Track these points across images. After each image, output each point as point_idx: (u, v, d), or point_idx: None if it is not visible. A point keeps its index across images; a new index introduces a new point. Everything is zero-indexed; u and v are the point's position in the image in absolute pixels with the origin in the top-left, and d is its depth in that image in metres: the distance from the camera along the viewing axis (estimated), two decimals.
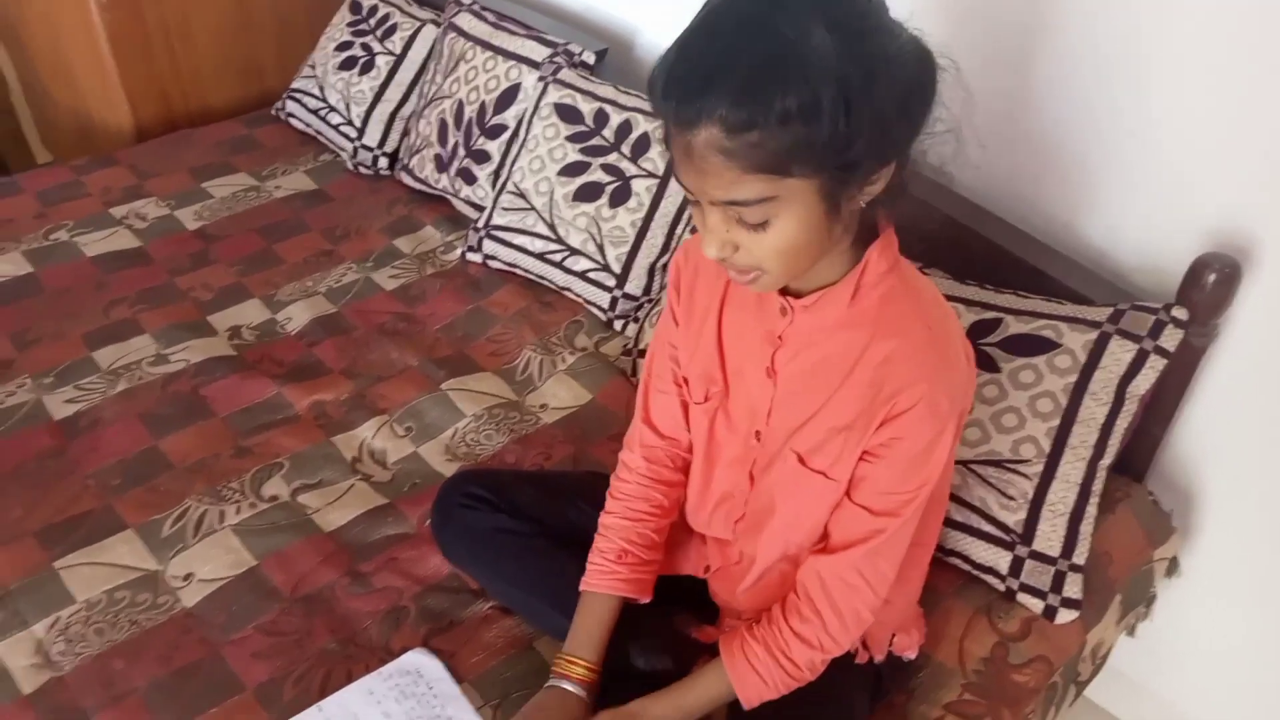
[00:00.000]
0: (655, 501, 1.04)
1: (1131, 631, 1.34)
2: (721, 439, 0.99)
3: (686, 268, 0.99)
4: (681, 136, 0.72)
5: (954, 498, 1.16)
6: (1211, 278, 1.12)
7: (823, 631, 0.91)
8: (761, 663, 0.92)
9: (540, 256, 1.59)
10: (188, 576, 1.15)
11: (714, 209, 0.76)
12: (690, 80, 0.70)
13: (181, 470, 1.28)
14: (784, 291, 0.88)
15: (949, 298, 1.23)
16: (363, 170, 1.92)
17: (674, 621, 1.10)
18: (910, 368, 0.84)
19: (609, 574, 1.02)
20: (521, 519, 1.11)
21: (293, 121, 2.03)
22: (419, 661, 1.07)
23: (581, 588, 1.02)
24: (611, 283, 1.53)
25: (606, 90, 1.60)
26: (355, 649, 1.08)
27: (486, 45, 1.74)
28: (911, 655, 1.07)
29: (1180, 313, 1.13)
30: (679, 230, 1.51)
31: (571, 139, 1.58)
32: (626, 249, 1.52)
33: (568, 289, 1.58)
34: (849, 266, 0.85)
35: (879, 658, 1.04)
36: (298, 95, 2.02)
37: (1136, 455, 1.28)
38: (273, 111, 2.09)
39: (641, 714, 0.93)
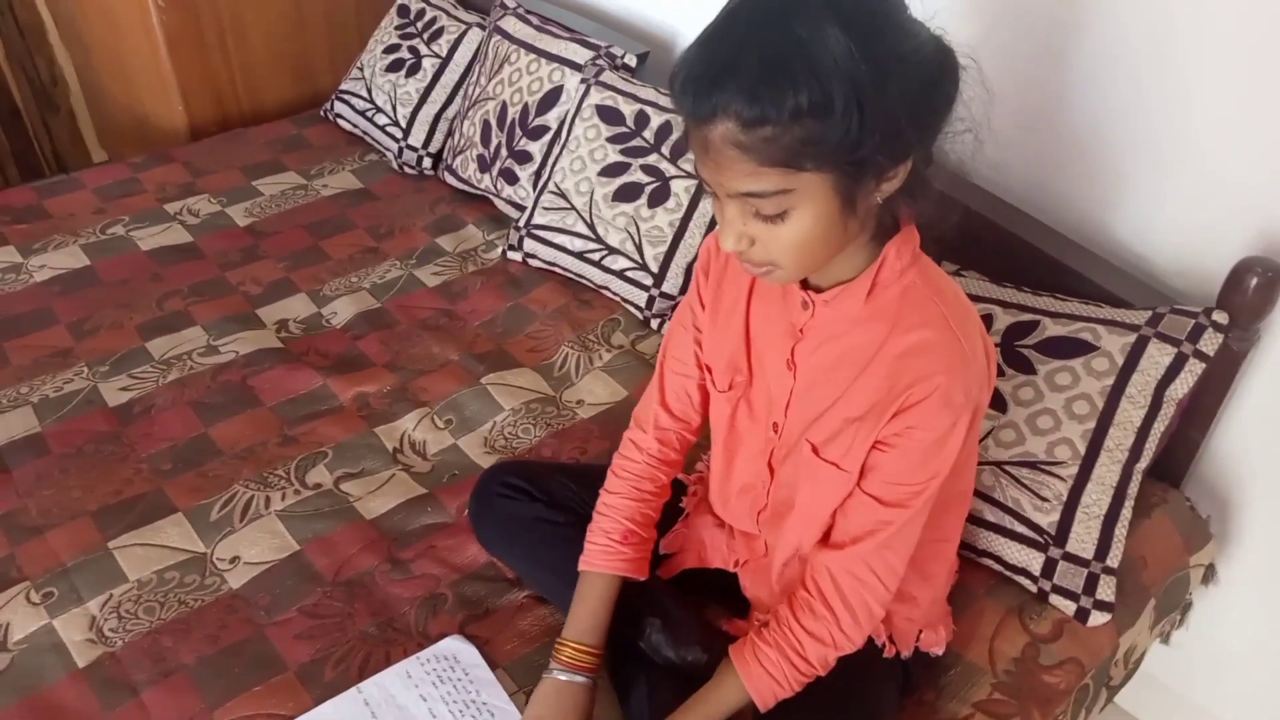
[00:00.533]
0: (659, 482, 1.07)
1: (1166, 639, 1.33)
2: (743, 429, 1.00)
3: (718, 257, 1.00)
4: (699, 131, 0.74)
5: (988, 498, 1.16)
6: (1254, 282, 1.11)
7: (835, 628, 0.92)
8: (775, 665, 0.93)
9: (579, 255, 1.61)
10: (234, 559, 1.19)
11: (731, 201, 0.77)
12: (706, 76, 0.72)
13: (230, 457, 1.32)
14: (805, 285, 0.89)
15: (986, 299, 1.25)
16: (407, 170, 1.96)
17: (706, 614, 1.12)
18: (928, 361, 0.85)
19: (614, 554, 1.03)
20: (556, 509, 1.13)
21: (340, 122, 2.08)
22: (455, 648, 1.09)
23: (581, 567, 1.04)
24: (649, 281, 1.56)
25: (647, 92, 1.62)
26: (394, 633, 1.11)
27: (530, 48, 1.77)
28: (938, 652, 1.07)
29: (1220, 317, 1.13)
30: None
31: (612, 140, 1.60)
32: (664, 248, 1.54)
33: (606, 287, 1.61)
34: (868, 262, 0.86)
35: (906, 654, 1.04)
36: (346, 96, 2.07)
37: (1174, 460, 1.27)
38: (321, 112, 2.14)
39: None
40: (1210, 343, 1.12)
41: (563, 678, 1.00)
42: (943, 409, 0.85)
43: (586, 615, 1.02)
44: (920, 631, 1.06)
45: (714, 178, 0.76)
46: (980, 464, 1.17)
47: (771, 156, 0.72)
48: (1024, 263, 1.29)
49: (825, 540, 0.95)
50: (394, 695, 1.04)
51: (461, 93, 1.93)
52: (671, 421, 1.06)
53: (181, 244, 1.74)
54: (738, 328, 0.97)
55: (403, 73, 1.97)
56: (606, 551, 1.03)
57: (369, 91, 2.02)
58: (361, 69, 2.06)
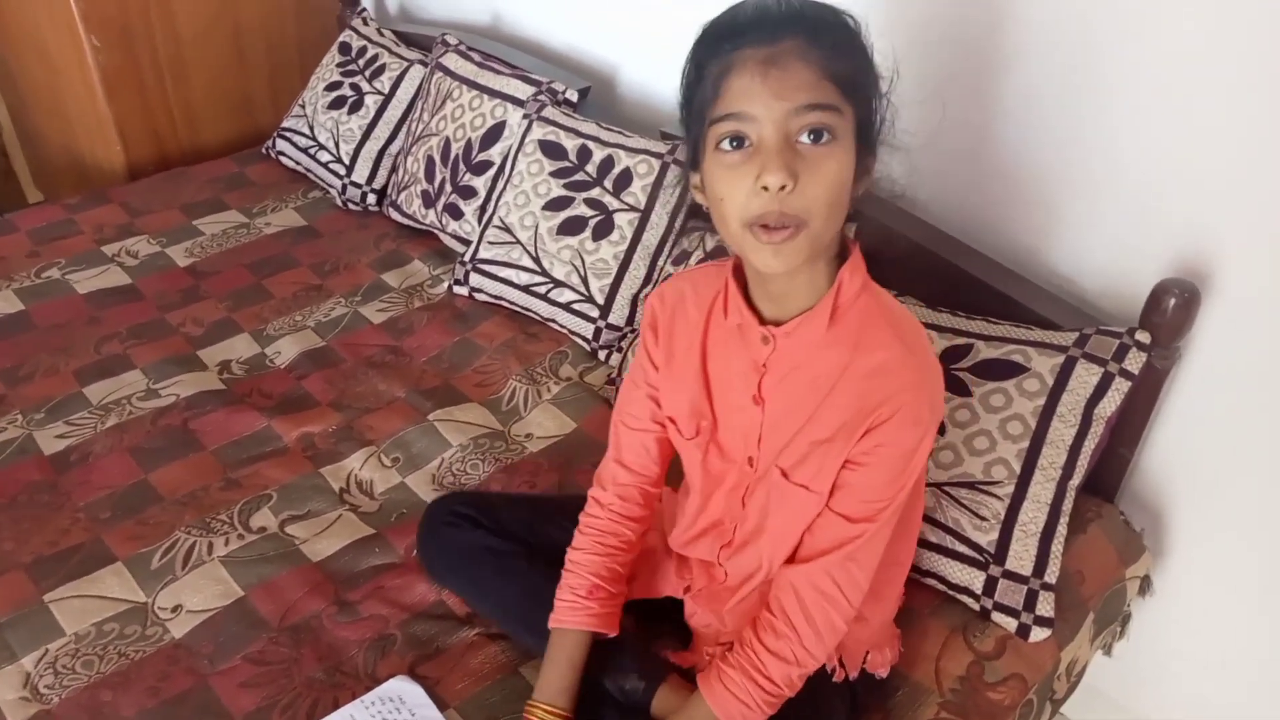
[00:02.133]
0: (624, 537, 1.06)
1: (1109, 651, 1.36)
2: (716, 469, 1.01)
3: (663, 311, 1.01)
4: (758, 51, 0.78)
5: (929, 519, 1.18)
6: (1171, 302, 1.15)
7: (798, 645, 0.93)
8: (740, 687, 0.94)
9: (525, 289, 1.62)
10: (176, 608, 1.16)
11: (777, 135, 0.78)
12: (772, 10, 0.80)
13: (171, 503, 1.29)
14: (763, 321, 0.91)
15: (923, 324, 1.28)
16: (351, 206, 1.96)
17: (647, 643, 1.12)
18: (893, 380, 0.88)
19: (581, 610, 1.03)
20: (505, 538, 1.13)
21: (283, 159, 2.07)
22: (401, 688, 1.08)
23: (551, 624, 1.04)
24: (595, 313, 1.57)
25: (589, 127, 1.64)
26: (342, 676, 1.10)
27: (472, 84, 1.79)
28: (884, 673, 1.08)
29: (1143, 336, 1.17)
30: (660, 261, 1.55)
31: (555, 174, 1.62)
32: (609, 280, 1.56)
33: (552, 320, 1.62)
34: (824, 288, 0.89)
35: (854, 675, 1.06)
36: (288, 134, 2.06)
37: (1106, 476, 1.31)
38: (263, 150, 2.13)
39: None
40: (1134, 361, 1.16)
41: None
42: (912, 425, 0.88)
43: (556, 678, 1.02)
44: (868, 653, 1.07)
45: (773, 95, 0.77)
46: None
47: (832, 69, 0.78)
48: (958, 288, 1.33)
49: (791, 558, 0.96)
50: None
51: (405, 129, 1.93)
52: (630, 476, 1.06)
53: (120, 286, 1.72)
54: (694, 376, 0.98)
55: (345, 109, 1.97)
56: (573, 608, 1.03)
57: (311, 129, 2.02)
58: (304, 106, 2.06)
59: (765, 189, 0.78)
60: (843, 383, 0.89)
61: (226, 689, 1.08)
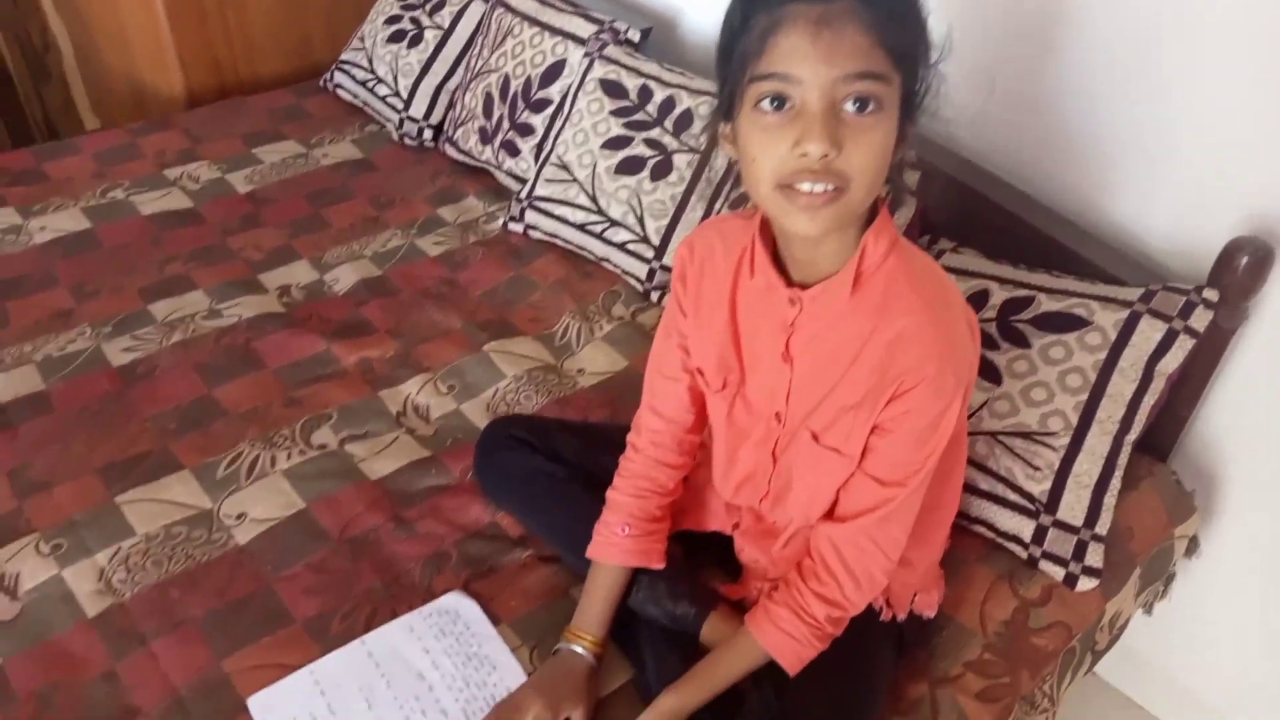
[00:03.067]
0: (659, 481, 1.07)
1: (1149, 610, 1.37)
2: (743, 423, 1.01)
3: (693, 262, 1.00)
4: (812, 9, 0.74)
5: (981, 467, 1.19)
6: (1244, 260, 1.14)
7: (839, 592, 0.95)
8: (789, 624, 0.95)
9: (581, 227, 1.63)
10: (240, 516, 1.20)
11: (822, 102, 0.75)
12: None
13: (234, 417, 1.33)
14: (790, 283, 0.91)
15: (983, 275, 1.28)
16: (408, 141, 1.97)
17: (698, 573, 1.14)
18: (916, 349, 0.87)
19: (615, 545, 1.05)
20: (558, 463, 1.16)
21: (340, 92, 2.08)
22: (457, 603, 1.11)
23: (588, 554, 1.06)
24: (650, 254, 1.57)
25: (651, 67, 1.64)
26: (399, 589, 1.13)
27: (533, 21, 1.78)
28: (931, 614, 1.10)
29: (1211, 294, 1.16)
30: (718, 205, 1.55)
31: (616, 114, 1.62)
32: (666, 222, 1.56)
33: (606, 259, 1.63)
34: (851, 251, 0.87)
35: (901, 616, 1.07)
36: (346, 67, 2.07)
37: (1162, 435, 1.30)
38: (321, 83, 2.14)
39: (678, 706, 0.95)
40: (1200, 319, 1.15)
41: (563, 648, 1.03)
42: (935, 395, 0.87)
43: (586, 608, 1.05)
44: (915, 594, 1.09)
45: (823, 60, 0.74)
46: (975, 434, 1.20)
47: (885, 35, 0.75)
48: (1020, 241, 1.32)
49: (829, 514, 0.97)
50: (398, 648, 1.06)
51: (463, 65, 1.93)
52: (664, 424, 1.06)
53: (182, 209, 1.74)
54: (724, 328, 0.97)
55: (404, 44, 1.98)
56: (608, 543, 1.05)
57: (370, 62, 2.02)
58: (363, 39, 2.06)
59: (804, 155, 0.76)
60: (868, 349, 0.89)
61: (289, 594, 1.11)
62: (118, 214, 1.71)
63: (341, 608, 1.11)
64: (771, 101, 0.77)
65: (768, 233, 0.92)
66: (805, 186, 0.77)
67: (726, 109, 0.83)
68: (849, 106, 0.76)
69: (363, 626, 1.09)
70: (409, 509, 1.22)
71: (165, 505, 1.20)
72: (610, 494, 1.08)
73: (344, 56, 2.09)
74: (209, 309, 1.52)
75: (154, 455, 1.26)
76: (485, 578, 1.15)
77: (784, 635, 0.96)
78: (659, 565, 1.07)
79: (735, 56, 0.79)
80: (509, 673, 1.05)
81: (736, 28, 0.79)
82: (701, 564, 1.16)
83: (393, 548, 1.18)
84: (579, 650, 1.03)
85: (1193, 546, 1.35)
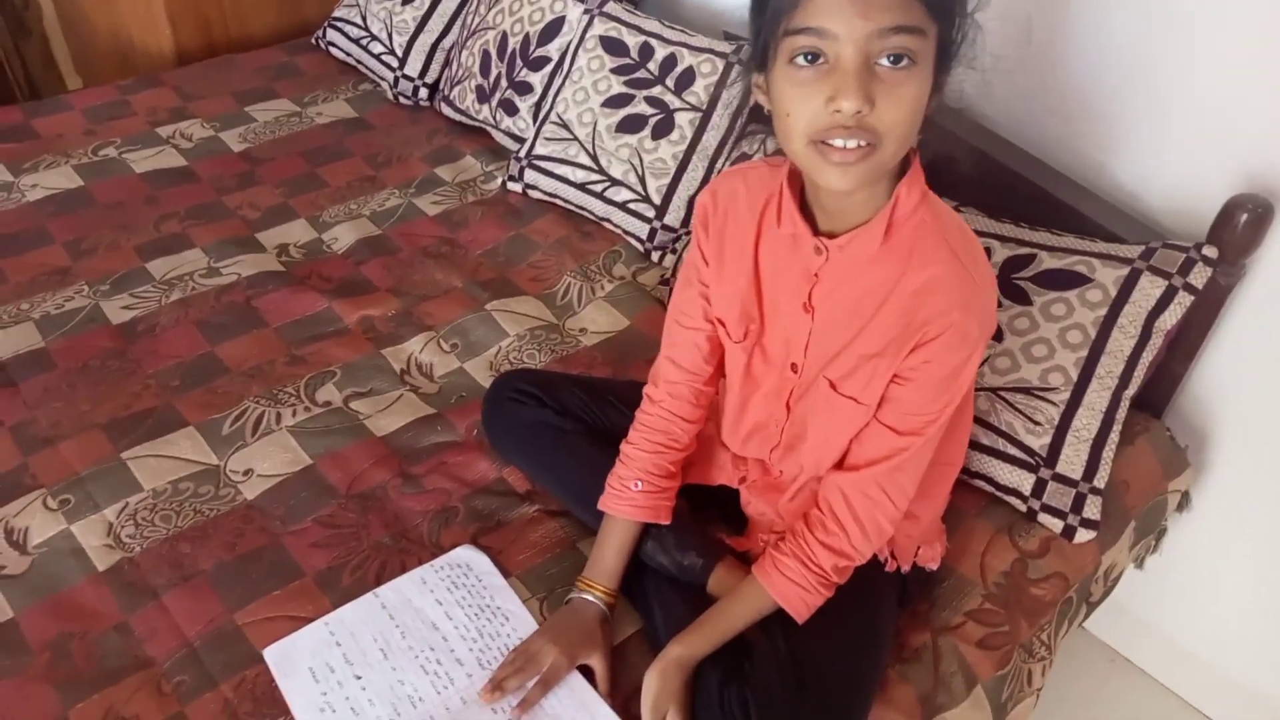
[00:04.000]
0: (674, 435, 1.07)
1: (1140, 564, 1.40)
2: (758, 372, 1.02)
3: (715, 210, 0.99)
4: None
5: (982, 422, 1.21)
6: (1244, 218, 1.15)
7: (846, 543, 0.96)
8: (796, 573, 0.97)
9: (581, 187, 1.62)
10: (247, 472, 1.20)
11: (857, 57, 0.75)
12: None
13: (238, 374, 1.33)
14: (817, 232, 0.91)
15: (985, 233, 1.29)
16: (403, 100, 1.95)
17: (703, 525, 1.15)
18: (943, 297, 0.87)
19: (626, 500, 1.06)
20: (565, 416, 1.16)
21: (333, 50, 2.06)
22: (468, 556, 1.13)
23: (600, 506, 1.07)
24: (651, 214, 1.57)
25: (652, 24, 1.62)
26: (408, 543, 1.14)
27: None
28: (934, 566, 1.12)
29: (1210, 251, 1.17)
30: (719, 164, 1.55)
31: (616, 71, 1.61)
32: (667, 180, 1.56)
33: (607, 219, 1.62)
34: (882, 202, 0.87)
35: (905, 568, 1.09)
36: (339, 24, 2.04)
37: (1157, 392, 1.32)
38: (313, 40, 2.11)
39: (686, 655, 0.96)
40: (1200, 276, 1.17)
41: (575, 597, 1.05)
42: (960, 343, 0.88)
43: (599, 559, 1.06)
44: (919, 547, 1.11)
45: (855, 17, 0.74)
46: (977, 390, 1.22)
47: None
48: (1022, 199, 1.33)
49: (840, 464, 0.98)
50: (410, 599, 1.08)
51: (459, 22, 1.91)
52: (680, 374, 1.06)
53: (176, 167, 1.73)
54: (747, 277, 0.98)
55: (399, 0, 1.95)
56: (620, 497, 1.06)
57: (364, 19, 1.99)
58: None
59: (838, 112, 0.76)
60: (893, 297, 0.89)
61: (299, 548, 1.12)
62: (111, 172, 1.69)
63: (351, 561, 1.12)
64: (806, 56, 0.77)
65: (795, 181, 0.92)
66: (838, 142, 0.78)
67: (760, 61, 0.83)
68: (884, 61, 0.75)
69: (373, 579, 1.10)
70: (416, 465, 1.23)
71: (172, 461, 1.20)
72: (625, 447, 1.09)
73: (336, 14, 2.06)
74: (208, 267, 1.51)
75: (158, 411, 1.26)
76: (493, 532, 1.16)
77: (791, 584, 0.97)
78: (666, 521, 1.08)
79: (769, 8, 0.78)
80: (521, 623, 1.06)
81: None
82: (708, 517, 1.17)
83: (400, 503, 1.18)
84: (590, 599, 1.04)
85: (1185, 501, 1.37)
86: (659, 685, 0.94)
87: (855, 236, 0.88)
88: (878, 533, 0.97)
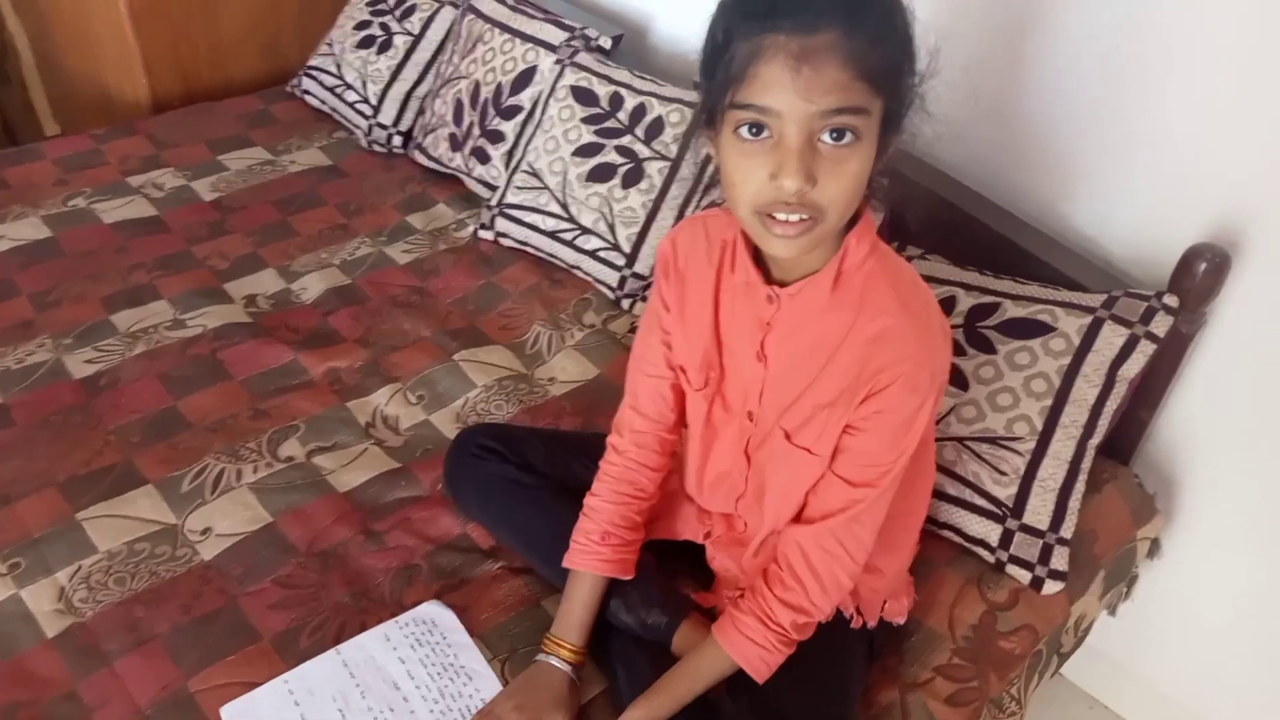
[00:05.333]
0: (640, 485, 1.07)
1: (1113, 611, 1.39)
2: (719, 421, 1.02)
3: (676, 257, 1.00)
4: (793, 41, 0.73)
5: (949, 473, 1.20)
6: (1202, 266, 1.16)
7: (804, 598, 0.95)
8: (755, 631, 0.96)
9: (552, 235, 1.63)
10: (205, 531, 1.18)
11: (799, 137, 0.75)
12: None
13: (200, 429, 1.31)
14: (769, 280, 0.91)
15: (950, 282, 1.29)
16: (376, 148, 1.95)
17: (669, 580, 1.14)
18: (894, 348, 0.88)
19: (592, 554, 1.05)
20: (528, 471, 1.15)
21: (308, 98, 2.07)
22: (434, 612, 1.11)
23: (565, 564, 1.06)
24: (621, 262, 1.57)
25: (622, 74, 1.64)
26: (369, 602, 1.12)
27: (504, 28, 1.78)
28: (901, 620, 1.11)
29: (1171, 300, 1.18)
30: (688, 212, 1.55)
31: (587, 121, 1.62)
32: (637, 229, 1.56)
33: (578, 267, 1.62)
34: (832, 252, 0.88)
35: (872, 623, 1.08)
36: (315, 72, 2.05)
37: (1124, 439, 1.32)
38: (289, 88, 2.12)
39: (647, 718, 0.95)
40: (1161, 325, 1.17)
41: (542, 660, 1.03)
42: (911, 393, 0.88)
43: (567, 614, 1.05)
44: (885, 601, 1.09)
45: (800, 94, 0.74)
46: (943, 440, 1.21)
47: (866, 67, 0.74)
48: (986, 247, 1.33)
49: (797, 517, 0.98)
50: (373, 656, 1.06)
51: (433, 71, 1.92)
52: (646, 424, 1.06)
53: (146, 217, 1.72)
54: (708, 324, 0.98)
55: (374, 49, 1.96)
56: (585, 551, 1.05)
57: (339, 68, 2.01)
58: (331, 45, 2.04)
59: (780, 188, 0.76)
60: (845, 347, 0.90)
61: (256, 609, 1.10)
62: (80, 222, 1.69)
63: (310, 622, 1.10)
64: (751, 129, 0.77)
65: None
66: (781, 216, 0.79)
67: (709, 120, 0.83)
68: (825, 138, 0.76)
69: (332, 641, 1.08)
70: (378, 521, 1.21)
71: (129, 521, 1.18)
72: (590, 500, 1.08)
73: (312, 62, 2.07)
74: (174, 319, 1.50)
75: (118, 469, 1.24)
76: (456, 589, 1.15)
77: (750, 643, 0.96)
78: (630, 576, 1.06)
79: (716, 76, 0.79)
80: (485, 683, 1.04)
81: (720, 45, 0.79)
82: (675, 570, 1.16)
83: (362, 561, 1.17)
84: (557, 664, 1.02)
85: (1154, 548, 1.37)
86: None
87: (805, 286, 0.89)
88: (836, 587, 0.96)
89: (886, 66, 0.77)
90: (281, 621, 1.09)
